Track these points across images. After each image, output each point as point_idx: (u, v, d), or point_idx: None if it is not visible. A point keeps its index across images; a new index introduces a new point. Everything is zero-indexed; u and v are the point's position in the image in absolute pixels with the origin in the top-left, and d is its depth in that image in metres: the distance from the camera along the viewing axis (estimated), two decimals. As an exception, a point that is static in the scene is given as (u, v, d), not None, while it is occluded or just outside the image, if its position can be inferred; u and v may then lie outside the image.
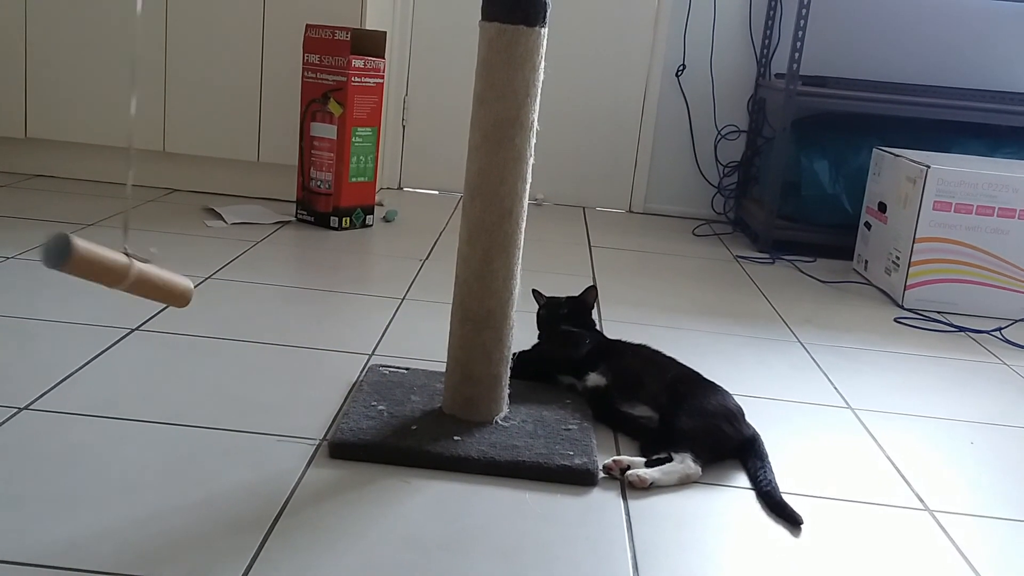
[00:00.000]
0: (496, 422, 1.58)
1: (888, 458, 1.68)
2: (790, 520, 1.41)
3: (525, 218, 1.55)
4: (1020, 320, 2.68)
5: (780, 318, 2.49)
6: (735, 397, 1.67)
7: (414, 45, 3.78)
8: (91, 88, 3.22)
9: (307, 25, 2.97)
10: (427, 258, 2.75)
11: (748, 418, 1.64)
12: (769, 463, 1.53)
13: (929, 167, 2.69)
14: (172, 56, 3.19)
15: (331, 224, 2.98)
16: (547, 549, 1.27)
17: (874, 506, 1.49)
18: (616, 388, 1.70)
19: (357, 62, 2.89)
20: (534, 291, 1.97)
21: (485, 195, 1.51)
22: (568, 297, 1.94)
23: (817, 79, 3.41)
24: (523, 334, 1.76)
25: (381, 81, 2.99)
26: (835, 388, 2.00)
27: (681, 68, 3.74)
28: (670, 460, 1.50)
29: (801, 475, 1.57)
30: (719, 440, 1.57)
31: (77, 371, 1.69)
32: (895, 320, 2.60)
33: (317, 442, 1.50)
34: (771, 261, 3.18)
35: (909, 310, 2.72)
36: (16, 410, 1.51)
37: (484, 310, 1.54)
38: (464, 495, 1.39)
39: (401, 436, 1.50)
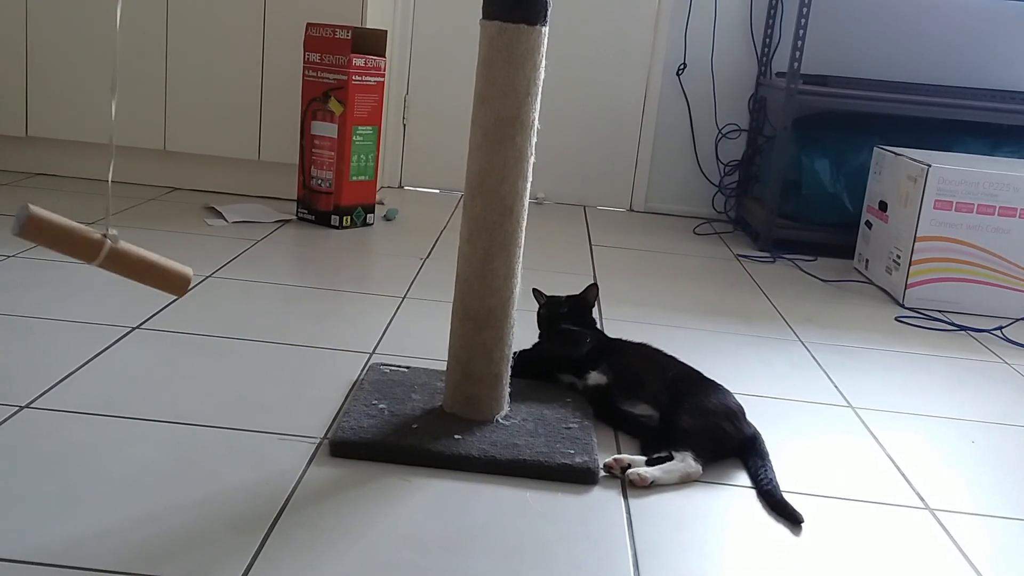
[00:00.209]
0: (497, 421, 1.58)
1: (889, 457, 1.68)
2: (791, 519, 1.41)
3: (526, 217, 1.55)
4: (1021, 319, 2.68)
5: (781, 317, 2.49)
6: (736, 396, 1.67)
7: (415, 44, 3.78)
8: (91, 87, 3.22)
9: (308, 24, 2.97)
10: (428, 257, 2.75)
11: (749, 417, 1.64)
12: (770, 462, 1.53)
13: (930, 166, 2.69)
14: (173, 55, 3.19)
15: (332, 223, 2.98)
16: (548, 548, 1.26)
17: (875, 505, 1.49)
18: (617, 387, 1.70)
19: (358, 61, 2.89)
20: (534, 290, 1.97)
21: (486, 194, 1.51)
22: (568, 296, 1.94)
23: (818, 78, 3.41)
24: (524, 333, 1.76)
25: (382, 80, 2.99)
26: (836, 387, 2.00)
27: (682, 67, 3.74)
28: (671, 459, 1.50)
29: (802, 474, 1.57)
30: (720, 439, 1.57)
31: (77, 370, 1.69)
32: (896, 319, 2.60)
33: (318, 441, 1.50)
34: (772, 260, 3.18)
35: (910, 309, 2.71)
36: (17, 408, 1.51)
37: (485, 309, 1.54)
38: (465, 494, 1.39)
39: (402, 435, 1.50)
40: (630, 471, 1.46)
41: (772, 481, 1.48)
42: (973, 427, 1.86)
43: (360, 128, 2.95)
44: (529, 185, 1.54)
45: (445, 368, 1.62)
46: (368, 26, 3.09)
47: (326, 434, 1.53)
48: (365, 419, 1.54)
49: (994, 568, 1.34)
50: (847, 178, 3.28)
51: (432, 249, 2.84)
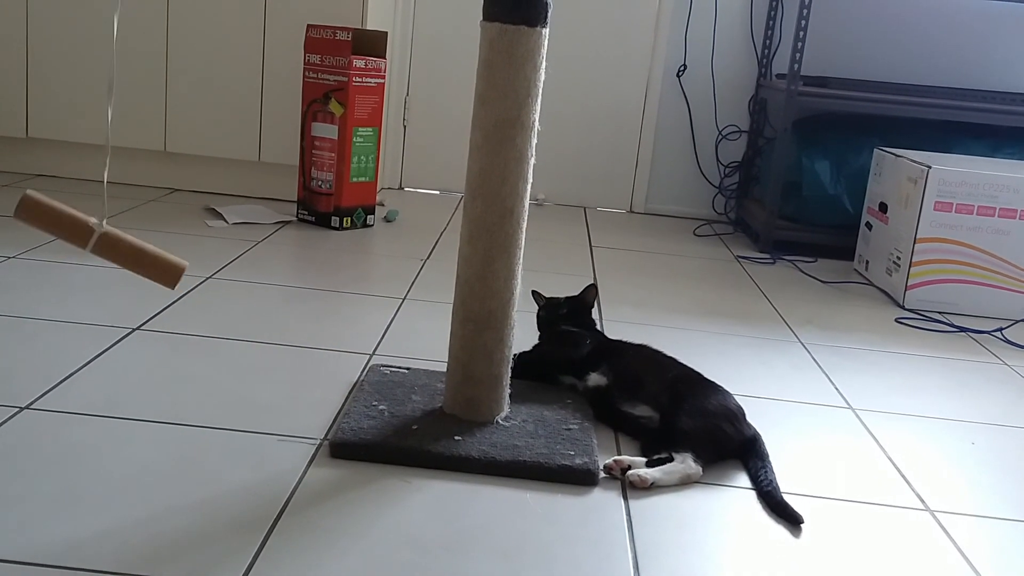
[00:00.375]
0: (497, 422, 1.58)
1: (889, 458, 1.68)
2: (791, 520, 1.41)
3: (526, 218, 1.55)
4: (1021, 320, 2.68)
5: (781, 318, 2.49)
6: (736, 397, 1.67)
7: (415, 45, 3.78)
8: (92, 88, 3.22)
9: (308, 25, 2.97)
10: (428, 258, 2.75)
11: (749, 418, 1.64)
12: (770, 463, 1.53)
13: (930, 167, 2.69)
14: (173, 55, 3.19)
15: (332, 224, 2.98)
16: (548, 549, 1.27)
17: (875, 506, 1.49)
18: (617, 388, 1.70)
19: (358, 62, 2.89)
20: (534, 292, 1.97)
21: (486, 195, 1.51)
22: (567, 297, 1.94)
23: (818, 79, 3.41)
24: (524, 334, 1.76)
25: (382, 81, 2.99)
26: (836, 388, 2.00)
27: (682, 68, 3.74)
28: (671, 460, 1.50)
29: (802, 475, 1.57)
30: (720, 440, 1.57)
31: (78, 371, 1.69)
32: (896, 320, 2.60)
33: (318, 442, 1.50)
34: (772, 261, 3.18)
35: (910, 310, 2.72)
36: (17, 409, 1.51)
37: (485, 310, 1.54)
38: (465, 495, 1.39)
39: (402, 436, 1.50)
40: (630, 472, 1.46)
41: (772, 482, 1.48)
42: (973, 428, 1.86)
43: (360, 129, 2.96)
44: (529, 186, 1.54)
45: (445, 369, 1.62)
46: (368, 27, 3.09)
47: (326, 435, 1.53)
48: (365, 420, 1.54)
49: (994, 569, 1.34)
50: (847, 180, 3.28)
51: (432, 250, 2.84)
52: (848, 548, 1.35)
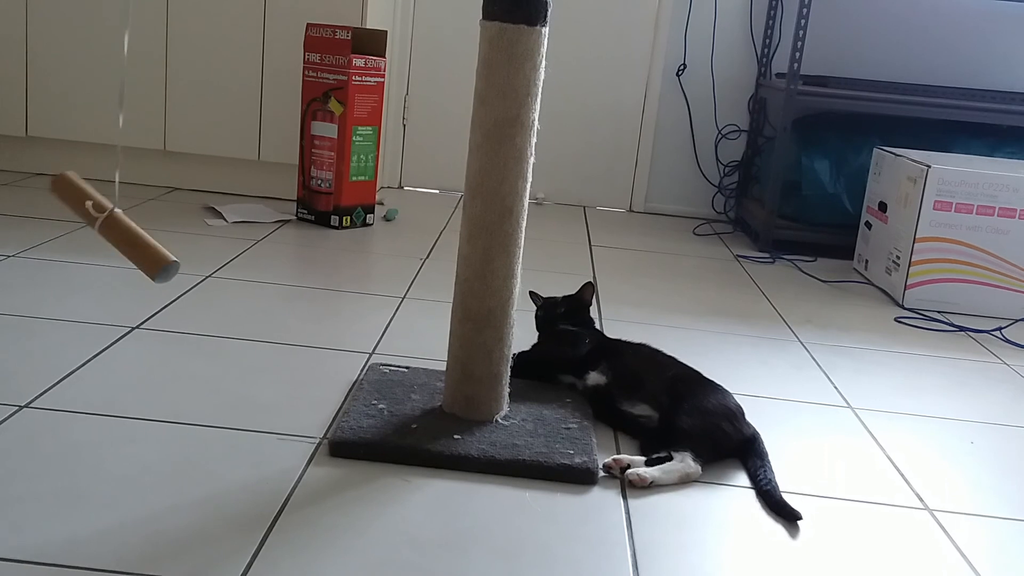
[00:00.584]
0: (496, 421, 1.58)
1: (888, 458, 1.68)
2: (790, 519, 1.41)
3: (526, 217, 1.55)
4: (1020, 320, 2.68)
5: (780, 317, 2.49)
6: (735, 396, 1.67)
7: (415, 44, 3.78)
8: (92, 87, 3.22)
9: (308, 24, 2.97)
10: (427, 257, 2.75)
11: (748, 417, 1.64)
12: (769, 462, 1.53)
13: (930, 167, 2.69)
14: (173, 54, 3.19)
15: (331, 223, 2.98)
16: (547, 548, 1.27)
17: (874, 505, 1.49)
18: (616, 387, 1.70)
19: (358, 61, 2.89)
20: (531, 293, 1.97)
21: (486, 194, 1.51)
22: (565, 296, 1.94)
23: (818, 79, 3.41)
24: (523, 333, 1.76)
25: (382, 80, 2.99)
26: (835, 388, 2.00)
27: (682, 67, 3.74)
28: (670, 459, 1.50)
29: (801, 474, 1.57)
30: (719, 439, 1.57)
31: (77, 369, 1.69)
32: (895, 320, 2.60)
33: (317, 441, 1.50)
34: (771, 260, 3.18)
35: (909, 310, 2.72)
36: (16, 408, 1.51)
37: (485, 309, 1.54)
38: (464, 494, 1.39)
39: (401, 435, 1.50)
40: (629, 471, 1.46)
41: (771, 481, 1.48)
42: (972, 428, 1.86)
43: (360, 128, 2.96)
44: (529, 185, 1.54)
45: (445, 368, 1.62)
46: (368, 26, 3.09)
47: (325, 434, 1.53)
48: (365, 419, 1.54)
49: (993, 569, 1.34)
50: (847, 179, 3.29)
51: (432, 249, 2.84)
52: (847, 547, 1.36)
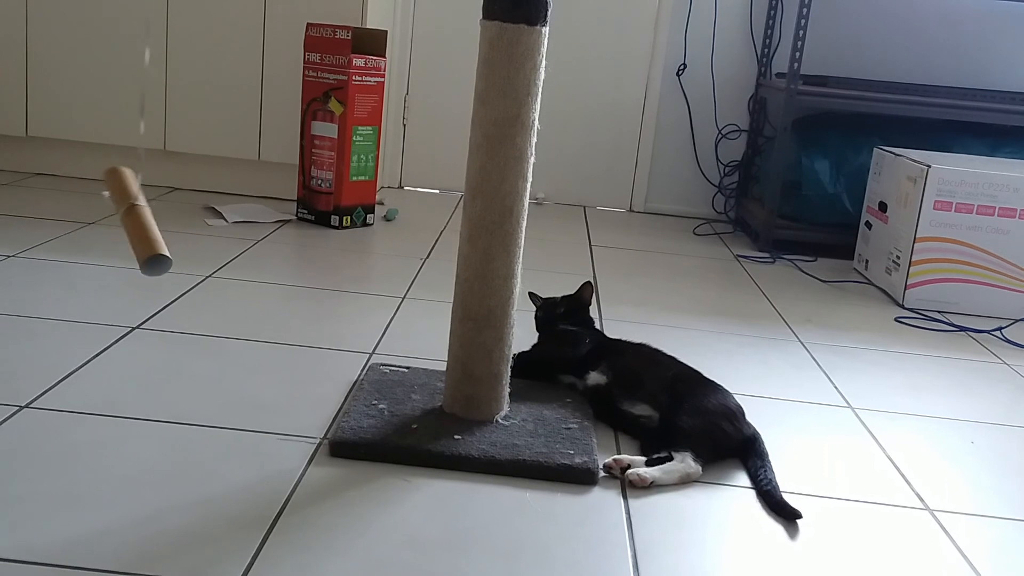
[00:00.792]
0: (497, 421, 1.58)
1: (888, 457, 1.68)
2: (790, 519, 1.41)
3: (526, 217, 1.55)
4: (1020, 320, 2.68)
5: (781, 317, 2.49)
6: (735, 396, 1.67)
7: (415, 44, 3.78)
8: (92, 87, 3.22)
9: (308, 24, 2.97)
10: (428, 257, 2.75)
11: (748, 417, 1.64)
12: (769, 462, 1.53)
13: (930, 167, 2.69)
14: (173, 54, 3.19)
15: (332, 223, 2.98)
16: (547, 548, 1.27)
17: (874, 505, 1.49)
18: (616, 387, 1.70)
19: (358, 61, 2.89)
20: (530, 293, 1.97)
21: (486, 194, 1.51)
22: (564, 296, 1.94)
23: (818, 78, 3.41)
24: (523, 333, 1.76)
25: (382, 80, 2.99)
26: (835, 387, 2.00)
27: (682, 67, 3.74)
28: (670, 459, 1.50)
29: (801, 474, 1.57)
30: (719, 439, 1.57)
31: (78, 369, 1.69)
32: (895, 319, 2.60)
33: (318, 441, 1.50)
34: (772, 260, 3.18)
35: (910, 309, 2.72)
36: (17, 408, 1.51)
37: (485, 309, 1.54)
38: (464, 494, 1.39)
39: (402, 435, 1.50)
40: (630, 471, 1.46)
41: (772, 481, 1.48)
42: (972, 428, 1.87)
43: (360, 128, 2.96)
44: (529, 185, 1.54)
45: (445, 368, 1.62)
46: (368, 26, 3.09)
47: (326, 434, 1.53)
48: (365, 419, 1.54)
49: (994, 568, 1.34)
50: (847, 179, 3.29)
51: (432, 249, 2.84)
52: (847, 547, 1.36)
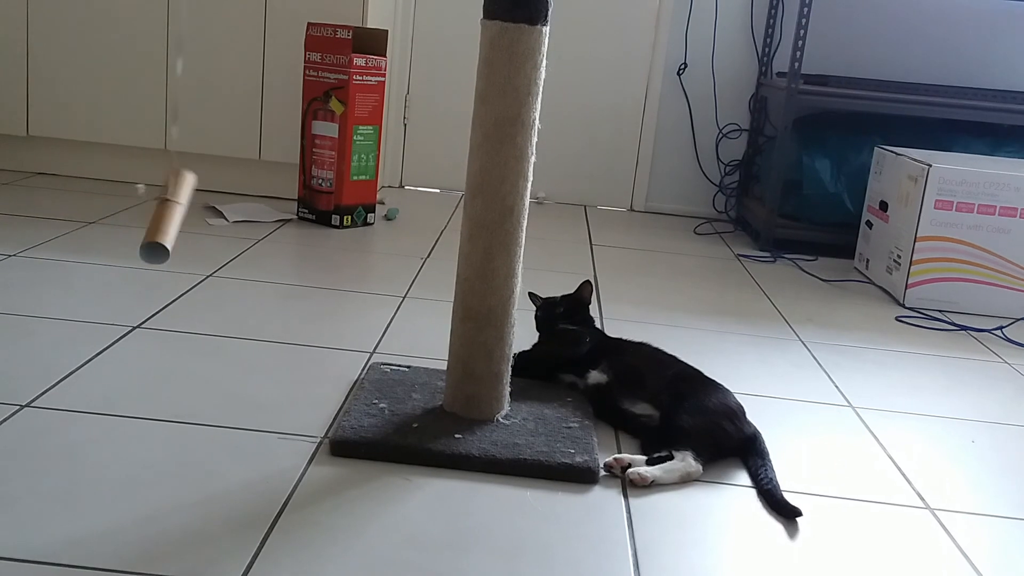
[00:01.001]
0: (497, 420, 1.58)
1: (889, 456, 1.68)
2: (791, 518, 1.41)
3: (526, 216, 1.55)
4: (1021, 319, 2.68)
5: (781, 316, 2.49)
6: (736, 395, 1.67)
7: (416, 43, 3.78)
8: (92, 86, 3.22)
9: (308, 23, 2.97)
10: (428, 256, 2.75)
11: (749, 416, 1.64)
12: (770, 461, 1.53)
13: (930, 166, 2.69)
14: (173, 54, 3.19)
15: (332, 222, 2.98)
16: (548, 547, 1.27)
17: (875, 504, 1.49)
18: (617, 386, 1.70)
19: (359, 60, 2.89)
20: (530, 294, 1.97)
21: (486, 193, 1.51)
22: (563, 295, 1.94)
23: (819, 78, 3.41)
24: (524, 332, 1.76)
25: (382, 79, 2.99)
26: (836, 387, 2.00)
27: (682, 66, 3.74)
28: (671, 458, 1.50)
29: (802, 473, 1.57)
30: (720, 438, 1.57)
31: (78, 369, 1.69)
32: (896, 319, 2.60)
33: (318, 440, 1.50)
34: (772, 260, 3.18)
35: (910, 309, 2.72)
36: (17, 407, 1.52)
37: (485, 308, 1.54)
38: (465, 493, 1.39)
39: (402, 434, 1.50)
40: (630, 470, 1.46)
41: (772, 480, 1.48)
42: (973, 427, 1.86)
43: (361, 128, 2.96)
44: (530, 184, 1.54)
45: (446, 367, 1.62)
46: (369, 26, 3.09)
47: (327, 433, 1.53)
48: (366, 418, 1.54)
49: (994, 568, 1.34)
50: (848, 178, 3.28)
51: (433, 248, 2.84)
52: (848, 546, 1.36)
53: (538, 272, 2.62)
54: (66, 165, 3.34)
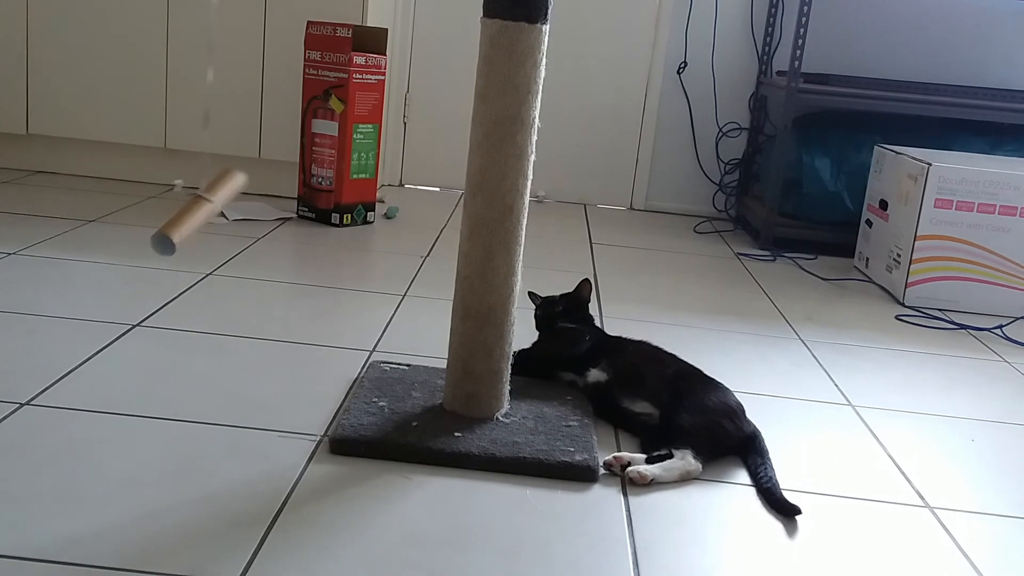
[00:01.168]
0: (497, 418, 1.58)
1: (888, 455, 1.68)
2: (790, 516, 1.41)
3: (526, 215, 1.55)
4: (1021, 318, 2.68)
5: (781, 315, 2.49)
6: (736, 394, 1.67)
7: (415, 42, 3.78)
8: (92, 84, 3.22)
9: (308, 22, 2.97)
10: (428, 255, 2.75)
11: (749, 415, 1.64)
12: (769, 460, 1.53)
13: (930, 165, 2.69)
14: (173, 52, 3.19)
15: (332, 221, 2.98)
16: (547, 545, 1.27)
17: (874, 503, 1.49)
18: (617, 384, 1.70)
19: (358, 59, 2.89)
20: (529, 293, 1.97)
21: (486, 192, 1.51)
22: (562, 294, 1.94)
23: (819, 76, 3.41)
24: (524, 331, 1.76)
25: (382, 78, 2.99)
26: (836, 385, 2.00)
27: (683, 65, 3.74)
28: (671, 457, 1.50)
29: (801, 472, 1.57)
30: (720, 437, 1.57)
31: (78, 367, 1.69)
32: (896, 317, 2.60)
33: (318, 438, 1.50)
34: (772, 258, 3.18)
35: (910, 307, 2.72)
36: (17, 406, 1.52)
37: (485, 306, 1.54)
38: (465, 491, 1.39)
39: (402, 432, 1.50)
40: (630, 469, 1.46)
41: (772, 479, 1.48)
42: (973, 425, 1.87)
43: (361, 126, 2.96)
44: (530, 183, 1.54)
45: (445, 366, 1.62)
46: (369, 24, 3.09)
47: (326, 431, 1.53)
48: (365, 417, 1.54)
49: (994, 566, 1.34)
50: (848, 176, 3.28)
51: (432, 247, 2.84)
52: (847, 545, 1.36)
53: (538, 271, 2.62)
54: (66, 163, 3.34)
